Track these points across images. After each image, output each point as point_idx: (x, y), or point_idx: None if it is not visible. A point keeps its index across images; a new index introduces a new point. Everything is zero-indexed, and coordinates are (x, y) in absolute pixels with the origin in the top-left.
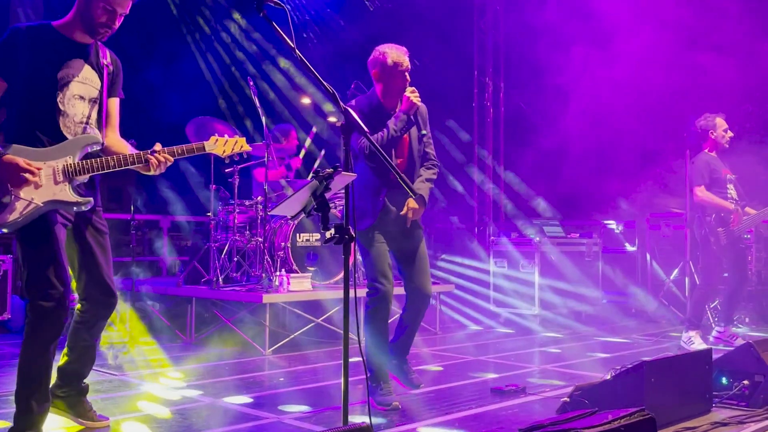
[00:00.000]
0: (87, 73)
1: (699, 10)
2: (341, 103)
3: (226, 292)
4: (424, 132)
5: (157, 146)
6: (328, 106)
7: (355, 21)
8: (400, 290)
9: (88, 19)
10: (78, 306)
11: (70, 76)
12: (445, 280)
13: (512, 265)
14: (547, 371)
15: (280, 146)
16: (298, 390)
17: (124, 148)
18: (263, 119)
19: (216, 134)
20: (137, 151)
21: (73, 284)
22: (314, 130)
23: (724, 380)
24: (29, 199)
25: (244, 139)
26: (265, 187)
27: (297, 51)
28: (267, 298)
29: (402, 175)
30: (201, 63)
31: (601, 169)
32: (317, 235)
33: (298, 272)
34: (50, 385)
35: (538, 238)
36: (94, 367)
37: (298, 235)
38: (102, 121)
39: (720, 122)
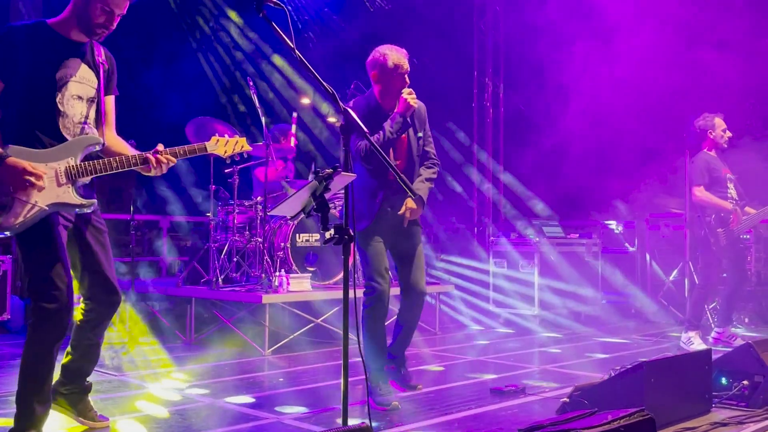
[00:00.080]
0: (84, 72)
1: (700, 7)
2: (341, 104)
3: (225, 293)
4: (420, 134)
5: (160, 147)
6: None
7: (354, 21)
8: (397, 291)
9: (86, 19)
10: (81, 306)
11: (68, 76)
12: (445, 281)
13: (512, 266)
14: (546, 372)
15: (280, 146)
16: (297, 390)
17: (124, 147)
18: (263, 119)
19: (216, 134)
20: (139, 152)
21: (75, 285)
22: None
23: (723, 380)
24: (33, 202)
25: (245, 139)
26: (265, 187)
27: (297, 51)
28: (266, 299)
29: (401, 175)
30: (203, 63)
31: (600, 169)
32: (317, 236)
33: (297, 273)
34: (53, 383)
35: (537, 239)
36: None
37: (297, 235)
38: (101, 120)
39: (719, 122)
